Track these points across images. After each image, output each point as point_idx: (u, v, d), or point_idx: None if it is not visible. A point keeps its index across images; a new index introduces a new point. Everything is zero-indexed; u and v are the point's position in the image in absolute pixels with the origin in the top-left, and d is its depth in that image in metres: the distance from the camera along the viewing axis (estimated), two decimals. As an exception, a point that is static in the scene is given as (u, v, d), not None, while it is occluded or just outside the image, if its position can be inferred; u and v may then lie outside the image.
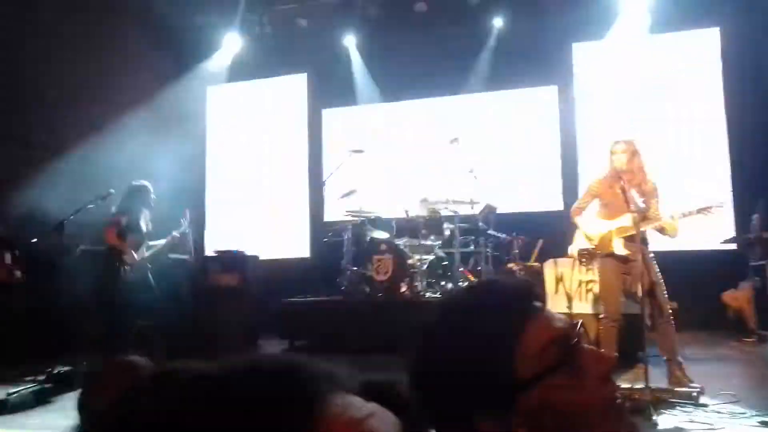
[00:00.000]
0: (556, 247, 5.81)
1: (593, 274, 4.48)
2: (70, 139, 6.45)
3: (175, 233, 5.57)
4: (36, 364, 4.58)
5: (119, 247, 5.11)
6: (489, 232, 6.71)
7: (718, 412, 3.21)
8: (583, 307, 5.12)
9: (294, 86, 9.29)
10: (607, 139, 4.17)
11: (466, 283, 6.30)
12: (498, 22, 7.95)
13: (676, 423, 3.07)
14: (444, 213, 6.88)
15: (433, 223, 6.54)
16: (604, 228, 4.04)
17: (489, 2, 7.66)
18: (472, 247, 6.92)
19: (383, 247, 6.39)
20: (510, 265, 6.33)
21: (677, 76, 7.56)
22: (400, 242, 6.49)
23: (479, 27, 8.05)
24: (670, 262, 4.40)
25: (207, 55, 8.52)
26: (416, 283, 6.30)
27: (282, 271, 8.25)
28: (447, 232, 6.59)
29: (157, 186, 5.70)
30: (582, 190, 4.48)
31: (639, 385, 3.38)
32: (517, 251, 6.46)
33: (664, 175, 6.85)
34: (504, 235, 6.64)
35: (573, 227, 4.30)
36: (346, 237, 6.87)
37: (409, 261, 6.39)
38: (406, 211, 6.90)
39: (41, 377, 4.35)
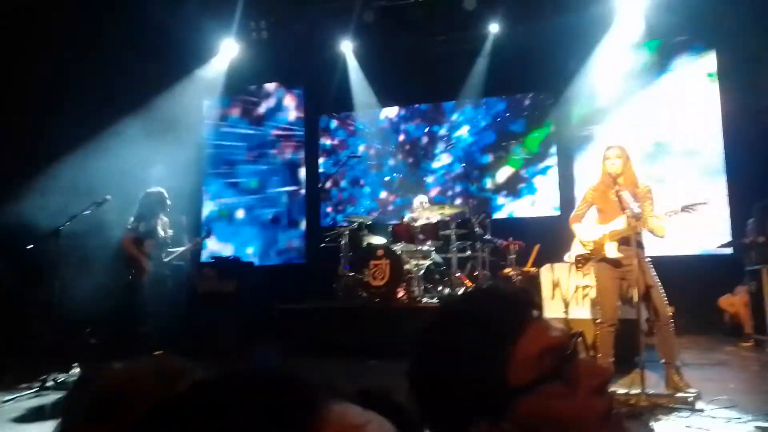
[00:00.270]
0: (553, 252, 5.82)
1: (590, 278, 4.49)
2: (66, 146, 6.44)
3: (198, 238, 5.69)
4: (31, 372, 4.56)
5: (136, 256, 5.16)
6: (485, 237, 6.72)
7: (714, 417, 3.21)
8: (580, 312, 5.13)
9: (291, 92, 9.34)
10: (601, 145, 4.19)
11: (463, 289, 6.32)
12: (494, 28, 7.96)
13: (673, 428, 3.07)
14: (441, 218, 6.90)
15: (429, 228, 6.54)
16: (599, 233, 4.06)
17: (485, 9, 7.68)
18: (468, 252, 6.93)
19: (380, 252, 6.39)
20: (507, 270, 6.33)
21: (673, 82, 7.60)
22: (397, 247, 6.49)
23: (476, 33, 8.07)
24: (667, 266, 4.41)
25: (203, 62, 8.51)
26: (413, 289, 6.30)
27: (278, 277, 8.24)
28: (444, 237, 6.60)
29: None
30: (578, 194, 4.51)
31: (635, 390, 3.39)
32: (513, 256, 6.47)
33: (660, 180, 6.93)
34: (500, 240, 6.65)
35: (571, 234, 4.32)
36: (342, 242, 6.87)
37: (406, 266, 6.39)
38: (403, 217, 6.92)
39: (36, 384, 4.33)
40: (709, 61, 7.49)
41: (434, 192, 8.35)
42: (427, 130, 8.44)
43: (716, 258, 6.91)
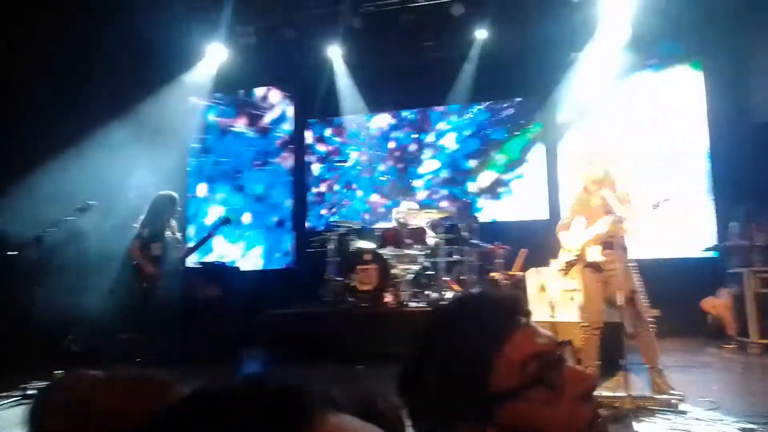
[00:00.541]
0: (539, 257, 5.86)
1: (576, 282, 4.52)
2: (50, 151, 6.36)
3: (212, 230, 5.61)
4: (11, 380, 4.48)
5: (141, 263, 5.09)
6: (472, 241, 6.74)
7: (698, 419, 3.24)
8: (567, 315, 5.15)
9: (280, 97, 9.35)
10: (586, 149, 4.23)
11: (451, 293, 6.33)
12: (481, 34, 8.01)
13: (657, 430, 3.09)
14: (428, 223, 6.91)
15: (417, 233, 6.55)
16: (583, 238, 4.10)
17: (472, 15, 7.72)
18: (456, 257, 6.95)
19: (367, 257, 6.38)
20: (493, 274, 6.36)
21: (658, 86, 7.69)
22: (384, 252, 6.49)
23: (463, 38, 8.12)
24: (651, 269, 4.45)
25: (190, 66, 8.46)
26: (400, 293, 6.29)
27: (264, 282, 8.21)
28: (431, 242, 6.61)
29: (138, 198, 5.63)
30: (563, 198, 4.54)
31: (620, 393, 3.41)
32: (500, 260, 6.49)
33: (644, 183, 7.00)
34: (487, 245, 6.68)
35: (558, 241, 4.35)
36: (329, 247, 6.85)
37: (393, 271, 6.39)
38: (391, 221, 6.92)
39: (17, 393, 4.26)
40: (695, 63, 7.59)
41: (421, 195, 8.53)
42: (414, 137, 8.66)
43: (700, 261, 7.00)
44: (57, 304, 5.22)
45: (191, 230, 8.86)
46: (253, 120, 9.38)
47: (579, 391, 0.68)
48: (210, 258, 8.57)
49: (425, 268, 6.90)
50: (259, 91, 9.40)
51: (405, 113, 8.78)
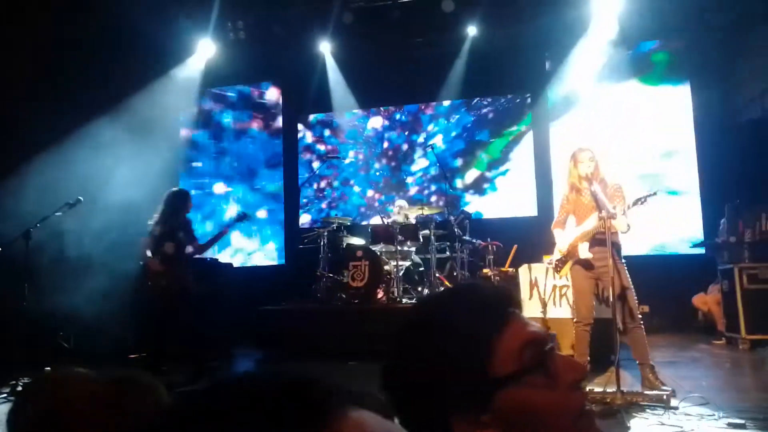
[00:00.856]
0: (531, 253, 5.88)
1: (567, 279, 4.54)
2: (39, 146, 6.29)
3: (225, 226, 5.52)
4: (1, 377, 4.45)
5: (148, 262, 4.93)
6: (464, 237, 6.75)
7: (688, 414, 3.26)
8: (558, 312, 5.17)
9: (268, 92, 9.34)
10: (575, 145, 4.23)
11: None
12: (472, 31, 8.02)
13: (647, 426, 3.11)
14: (420, 219, 6.91)
15: (409, 229, 6.55)
16: (572, 236, 4.11)
17: (463, 11, 7.71)
18: (447, 253, 6.96)
19: (359, 253, 6.38)
20: (485, 270, 6.37)
21: (646, 88, 7.73)
22: (376, 248, 6.48)
23: (454, 35, 8.12)
24: (642, 266, 4.48)
25: (180, 61, 8.40)
26: (392, 289, 6.29)
27: (257, 279, 8.18)
28: (423, 238, 6.61)
29: (129, 193, 5.57)
30: (555, 196, 4.55)
31: (611, 389, 3.43)
32: (492, 257, 6.51)
33: (633, 181, 7.05)
34: (479, 241, 6.69)
35: (552, 237, 4.36)
36: (321, 243, 6.83)
37: (386, 267, 6.39)
38: (382, 218, 6.92)
39: (5, 390, 4.22)
40: (683, 62, 7.63)
41: (413, 191, 8.70)
42: (406, 137, 8.89)
43: (690, 257, 7.05)
44: (47, 302, 5.17)
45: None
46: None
47: (571, 379, 0.69)
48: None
49: (417, 265, 6.90)
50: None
51: (398, 115, 8.96)
